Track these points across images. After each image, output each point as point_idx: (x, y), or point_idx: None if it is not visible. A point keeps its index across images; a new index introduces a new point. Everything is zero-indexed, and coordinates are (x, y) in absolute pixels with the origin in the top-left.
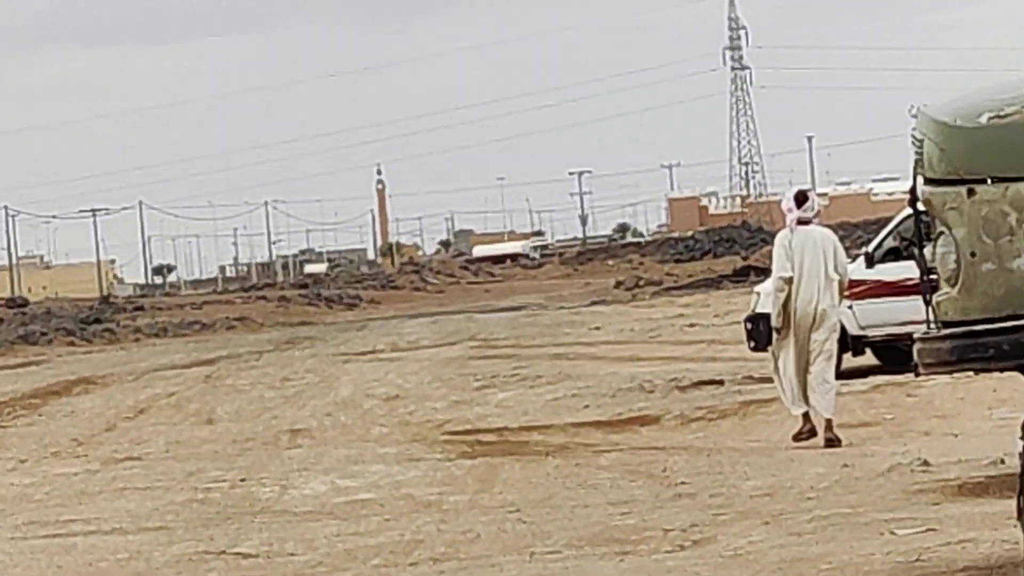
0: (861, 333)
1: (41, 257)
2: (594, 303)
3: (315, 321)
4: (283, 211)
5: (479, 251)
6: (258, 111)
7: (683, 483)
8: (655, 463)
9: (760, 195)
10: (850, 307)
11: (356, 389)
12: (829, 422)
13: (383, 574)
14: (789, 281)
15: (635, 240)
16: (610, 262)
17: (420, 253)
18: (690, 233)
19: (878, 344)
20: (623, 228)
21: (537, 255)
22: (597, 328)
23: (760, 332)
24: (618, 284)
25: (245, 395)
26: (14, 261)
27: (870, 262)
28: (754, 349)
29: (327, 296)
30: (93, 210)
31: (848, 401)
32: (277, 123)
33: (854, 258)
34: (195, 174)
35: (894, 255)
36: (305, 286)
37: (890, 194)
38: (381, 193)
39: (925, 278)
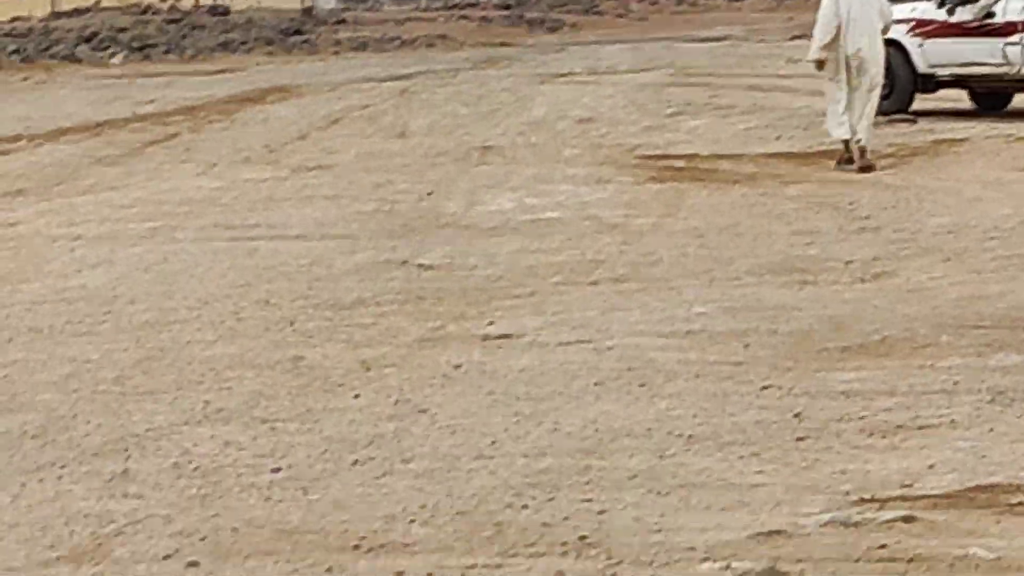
0: (930, 71)
1: None
2: (794, 37)
3: (515, 43)
4: None
5: None
6: None
7: (868, 217)
8: (842, 196)
9: None
10: (920, 46)
11: (550, 110)
12: (864, 150)
13: (562, 291)
14: (837, 28)
15: None
16: None
17: None
18: None
19: (946, 82)
20: None
21: None
22: (796, 61)
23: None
24: None
25: (439, 111)
26: None
27: (941, 3)
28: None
29: (529, 18)
30: None
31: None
32: None
33: None
34: None
35: None
36: (508, 7)
37: None
38: None
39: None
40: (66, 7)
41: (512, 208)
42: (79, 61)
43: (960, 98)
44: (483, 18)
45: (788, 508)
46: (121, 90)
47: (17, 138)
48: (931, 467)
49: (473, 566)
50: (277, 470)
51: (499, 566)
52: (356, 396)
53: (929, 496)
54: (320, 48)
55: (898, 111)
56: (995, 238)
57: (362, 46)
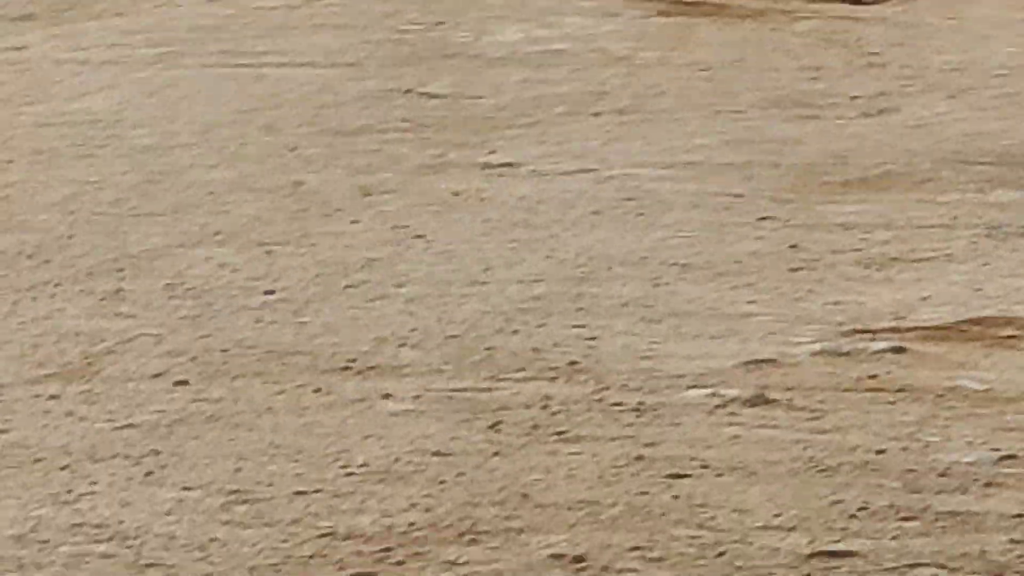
0: None
1: None
2: None
3: None
4: None
5: None
6: None
7: (875, 53)
8: (850, 33)
9: None
10: None
11: None
12: None
13: (565, 122)
14: None
15: None
16: None
17: None
18: None
19: None
20: None
21: None
22: None
23: None
24: None
25: None
26: None
27: None
28: None
29: None
30: None
31: None
32: None
33: None
34: None
35: None
36: None
37: None
38: None
39: None
40: None
41: (520, 39)
42: None
43: None
44: None
45: (779, 337)
46: None
47: None
48: (924, 299)
49: (461, 389)
50: (270, 292)
51: (488, 389)
52: (354, 221)
53: (921, 328)
54: None
55: None
56: (1000, 76)
57: None
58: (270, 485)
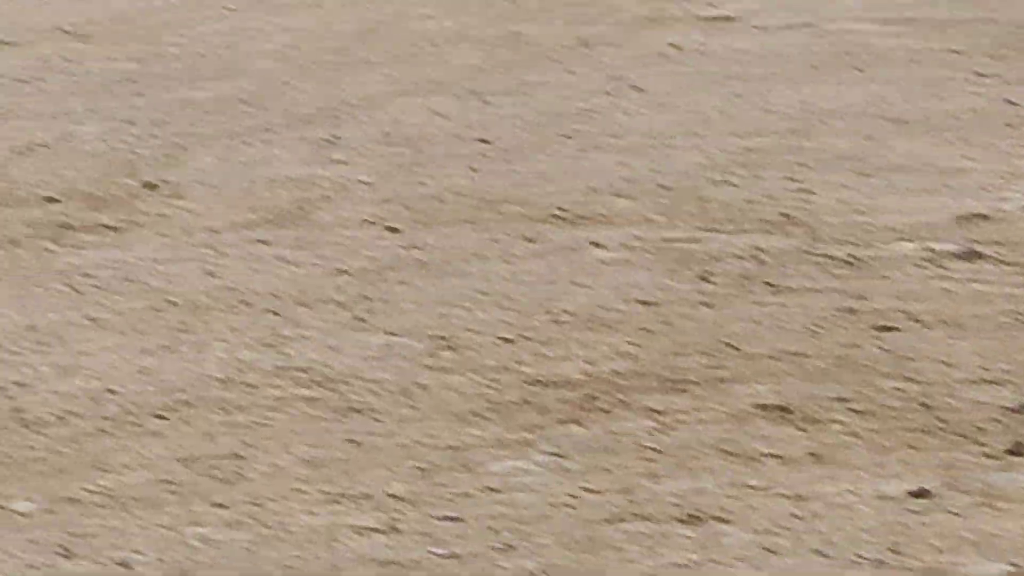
0: None
1: None
2: None
3: None
4: None
5: None
6: None
7: None
8: None
9: None
10: None
11: None
12: None
13: None
14: None
15: None
16: None
17: None
18: None
19: None
20: None
21: None
22: None
23: None
24: None
25: None
26: None
27: None
28: None
29: None
30: None
31: None
32: None
33: None
34: None
35: None
36: None
37: None
38: None
39: None
40: None
41: None
42: None
43: None
44: None
45: (992, 193)
46: None
47: None
48: None
49: (672, 239)
50: (485, 141)
51: (698, 240)
52: (571, 72)
53: None
54: None
55: None
56: None
57: None
58: (477, 332)
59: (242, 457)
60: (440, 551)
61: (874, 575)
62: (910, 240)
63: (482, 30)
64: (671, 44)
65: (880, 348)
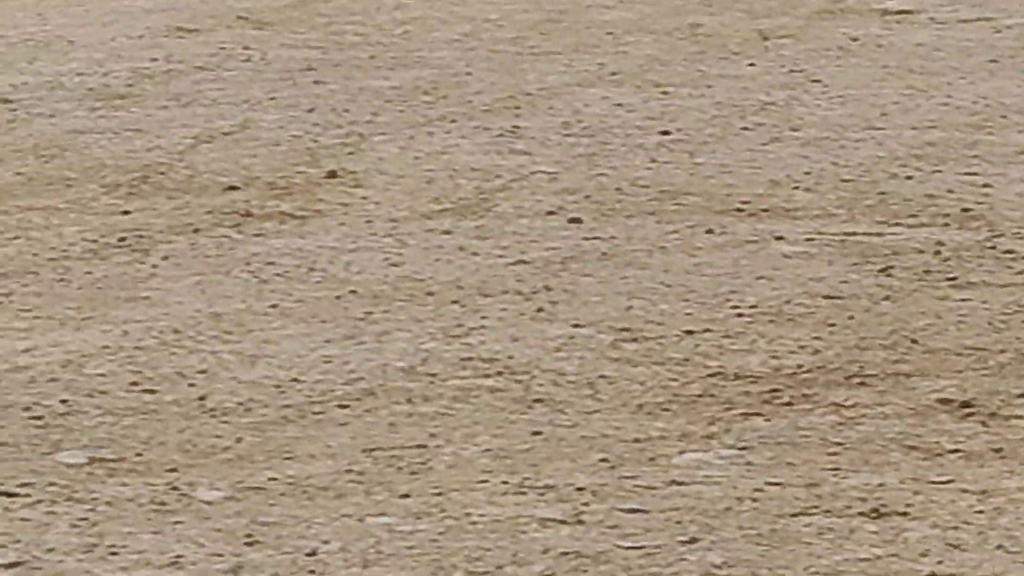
0: None
1: None
2: None
3: None
4: None
5: None
6: None
7: None
8: None
9: None
10: None
11: None
12: None
13: None
14: None
15: None
16: None
17: None
18: None
19: None
20: None
21: None
22: None
23: None
24: None
25: None
26: None
27: None
28: None
29: None
30: None
31: None
32: None
33: None
34: None
35: None
36: None
37: None
38: None
39: None
40: None
41: None
42: None
43: None
44: None
45: None
46: None
47: None
48: None
49: (854, 233)
50: (666, 132)
51: (879, 234)
52: (751, 64)
53: None
54: None
55: None
56: None
57: None
58: (660, 324)
59: (426, 447)
60: (625, 543)
61: None
62: None
63: (661, 21)
64: (851, 37)
65: None
